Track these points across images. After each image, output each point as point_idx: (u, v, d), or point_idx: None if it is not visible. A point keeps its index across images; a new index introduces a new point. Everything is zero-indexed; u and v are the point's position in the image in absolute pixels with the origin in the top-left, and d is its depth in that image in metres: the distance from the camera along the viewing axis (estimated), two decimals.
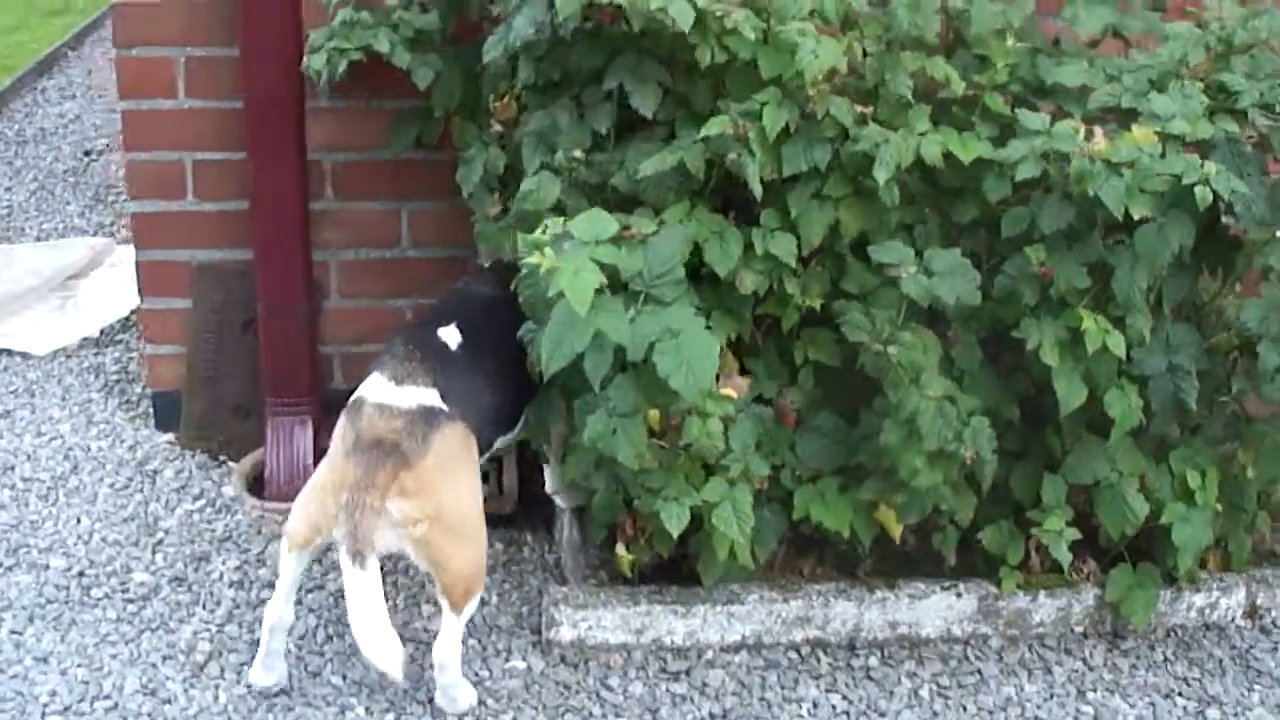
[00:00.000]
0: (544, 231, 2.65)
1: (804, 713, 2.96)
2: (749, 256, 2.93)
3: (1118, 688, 3.10)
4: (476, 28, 3.27)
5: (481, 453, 2.86)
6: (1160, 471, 3.20)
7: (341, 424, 2.73)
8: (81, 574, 3.23)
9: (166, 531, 3.41)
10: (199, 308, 3.69)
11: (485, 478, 3.22)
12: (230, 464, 3.69)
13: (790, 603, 3.13)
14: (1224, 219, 3.01)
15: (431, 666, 2.82)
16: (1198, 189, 2.70)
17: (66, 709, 2.83)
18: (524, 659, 3.03)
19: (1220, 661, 3.22)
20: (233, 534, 3.42)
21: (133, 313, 4.40)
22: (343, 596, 3.12)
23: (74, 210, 5.37)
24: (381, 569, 2.66)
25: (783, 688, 3.02)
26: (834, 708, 2.98)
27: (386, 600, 2.67)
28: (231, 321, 3.69)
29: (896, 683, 3.07)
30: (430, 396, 2.70)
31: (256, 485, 3.62)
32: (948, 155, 2.94)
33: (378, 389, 2.73)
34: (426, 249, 3.70)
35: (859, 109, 2.93)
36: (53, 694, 2.86)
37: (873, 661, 3.12)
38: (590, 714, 2.90)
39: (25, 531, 3.39)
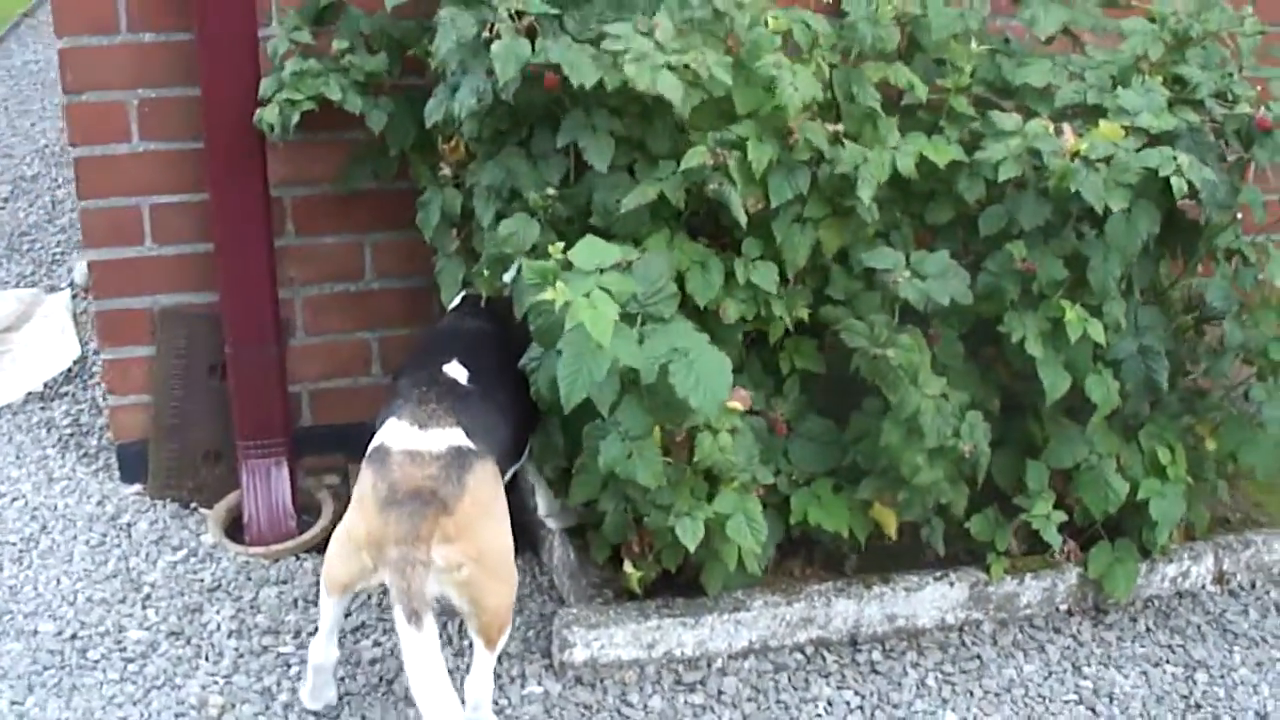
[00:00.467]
0: (549, 262, 2.66)
1: (821, 711, 3.02)
2: (730, 285, 2.97)
3: (1110, 660, 3.23)
4: (424, 65, 3.24)
5: None
6: (1131, 450, 3.33)
7: (368, 474, 2.63)
8: (74, 636, 3.13)
9: (153, 585, 3.33)
10: (163, 354, 3.61)
11: None
12: (203, 511, 3.62)
13: (793, 605, 3.19)
14: (1179, 204, 3.15)
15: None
16: (1174, 179, 2.82)
17: None
18: (539, 683, 3.04)
19: (1199, 627, 3.37)
20: (221, 582, 3.36)
21: (75, 363, 4.28)
22: (355, 638, 3.11)
23: None
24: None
25: (795, 689, 3.08)
26: (848, 704, 3.05)
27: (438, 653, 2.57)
28: (197, 366, 3.63)
29: (903, 674, 3.15)
30: (458, 436, 2.65)
31: (234, 529, 3.56)
32: (919, 161, 3.03)
33: (402, 435, 2.65)
34: (390, 279, 3.68)
35: (829, 128, 2.98)
36: None
37: (876, 656, 3.20)
38: None
39: (5, 597, 3.27)
